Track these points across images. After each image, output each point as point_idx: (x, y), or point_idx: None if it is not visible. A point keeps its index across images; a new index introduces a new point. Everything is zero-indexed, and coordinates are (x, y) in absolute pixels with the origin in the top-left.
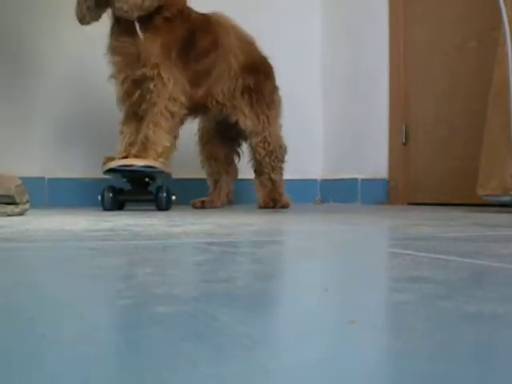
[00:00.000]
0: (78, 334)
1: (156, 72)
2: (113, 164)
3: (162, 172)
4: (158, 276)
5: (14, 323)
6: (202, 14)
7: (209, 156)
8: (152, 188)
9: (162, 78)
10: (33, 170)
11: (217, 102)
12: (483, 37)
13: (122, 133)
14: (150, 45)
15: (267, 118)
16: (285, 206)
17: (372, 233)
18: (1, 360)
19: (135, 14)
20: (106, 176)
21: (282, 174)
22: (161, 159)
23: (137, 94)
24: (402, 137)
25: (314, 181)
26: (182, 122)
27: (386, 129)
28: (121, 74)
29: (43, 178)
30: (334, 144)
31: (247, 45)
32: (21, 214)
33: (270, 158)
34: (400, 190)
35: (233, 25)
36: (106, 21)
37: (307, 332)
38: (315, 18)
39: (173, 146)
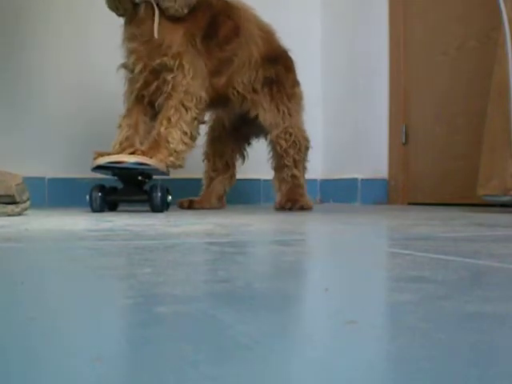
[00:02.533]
0: (77, 334)
1: (177, 62)
2: (101, 160)
3: (156, 170)
4: (158, 276)
5: (14, 323)
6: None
7: (214, 151)
8: (147, 187)
9: (183, 68)
10: (33, 170)
11: (238, 92)
12: (483, 37)
13: (119, 126)
14: (173, 33)
15: (288, 109)
16: (304, 208)
17: (372, 233)
18: (1, 360)
19: (185, 11)
20: (107, 176)
21: (304, 173)
22: (171, 158)
23: (154, 85)
24: (402, 137)
25: (313, 181)
26: (200, 119)
27: (385, 129)
28: (139, 63)
29: (43, 178)
30: (334, 144)
31: (267, 34)
32: (20, 213)
33: (294, 149)
34: (400, 190)
35: (252, 12)
36: (104, 20)
37: (307, 332)
38: (315, 19)
39: (188, 145)
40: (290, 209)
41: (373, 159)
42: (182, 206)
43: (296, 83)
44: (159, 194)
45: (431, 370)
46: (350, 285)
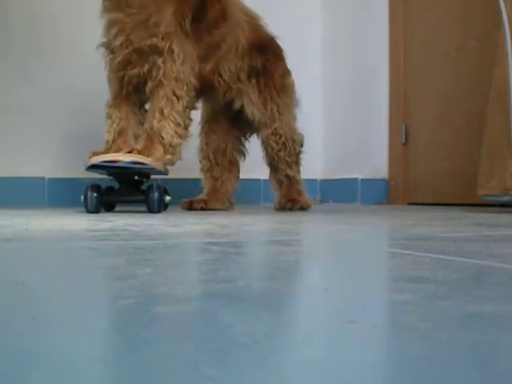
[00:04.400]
0: (77, 334)
1: (168, 44)
2: (95, 160)
3: (153, 169)
4: (158, 276)
5: (14, 323)
6: None
7: (211, 147)
8: (145, 187)
9: (173, 53)
10: (33, 170)
11: (224, 81)
12: (483, 37)
13: (109, 118)
14: (162, 9)
15: (277, 106)
16: (304, 207)
17: (372, 233)
18: (1, 360)
19: None
20: (106, 176)
21: (299, 171)
22: (168, 156)
23: (144, 69)
24: (402, 137)
25: (313, 181)
26: (191, 105)
27: (386, 129)
28: (120, 36)
29: (43, 178)
30: (334, 144)
31: (253, 20)
32: None
33: (285, 151)
34: (400, 190)
35: None
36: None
37: (307, 332)
38: (315, 19)
39: (182, 136)
40: (291, 209)
41: (373, 159)
42: (189, 207)
43: (286, 72)
44: (156, 195)
45: (431, 370)
46: (350, 285)
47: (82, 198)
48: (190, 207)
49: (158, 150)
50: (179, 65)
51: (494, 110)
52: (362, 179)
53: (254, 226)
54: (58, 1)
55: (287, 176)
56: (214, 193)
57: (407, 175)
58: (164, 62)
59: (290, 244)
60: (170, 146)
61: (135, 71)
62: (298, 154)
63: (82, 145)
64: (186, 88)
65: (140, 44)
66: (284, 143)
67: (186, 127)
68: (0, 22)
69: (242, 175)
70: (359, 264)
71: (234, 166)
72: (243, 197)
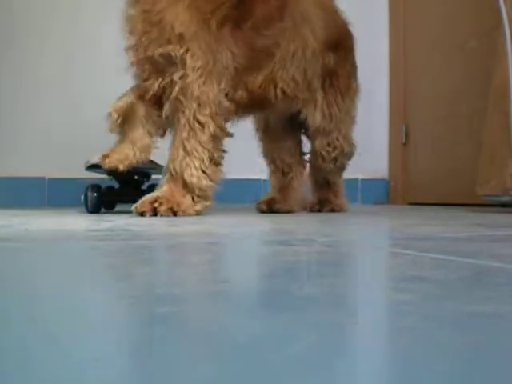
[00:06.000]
0: (77, 334)
1: (183, 50)
2: (96, 159)
3: (153, 169)
4: (158, 276)
5: (14, 323)
6: None
7: (272, 148)
8: (145, 187)
9: (191, 64)
10: (33, 170)
11: (284, 93)
12: (483, 37)
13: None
14: (176, 7)
15: (339, 111)
16: (335, 210)
17: (372, 233)
18: (1, 360)
19: None
20: (105, 176)
21: (341, 176)
22: (197, 206)
23: (155, 83)
24: (402, 137)
25: None
26: (220, 134)
27: (386, 129)
28: (131, 37)
29: (43, 178)
30: None
31: (328, 11)
32: None
33: (335, 164)
34: (400, 190)
35: None
36: (100, 16)
37: (307, 332)
38: None
39: (212, 176)
40: (320, 210)
41: (373, 159)
42: (261, 209)
43: (353, 70)
44: None
45: (431, 370)
46: (350, 285)
47: (82, 197)
48: (261, 209)
49: (185, 198)
50: (201, 81)
51: (494, 110)
52: (362, 179)
53: (255, 226)
54: None
55: (326, 180)
56: (284, 193)
57: (407, 175)
58: (182, 77)
59: (290, 244)
60: (200, 189)
61: (149, 83)
62: (344, 167)
63: (82, 145)
64: (209, 110)
65: (152, 51)
66: (335, 158)
67: (217, 163)
68: (4, 22)
69: (242, 175)
70: (359, 264)
71: (299, 162)
72: (243, 197)
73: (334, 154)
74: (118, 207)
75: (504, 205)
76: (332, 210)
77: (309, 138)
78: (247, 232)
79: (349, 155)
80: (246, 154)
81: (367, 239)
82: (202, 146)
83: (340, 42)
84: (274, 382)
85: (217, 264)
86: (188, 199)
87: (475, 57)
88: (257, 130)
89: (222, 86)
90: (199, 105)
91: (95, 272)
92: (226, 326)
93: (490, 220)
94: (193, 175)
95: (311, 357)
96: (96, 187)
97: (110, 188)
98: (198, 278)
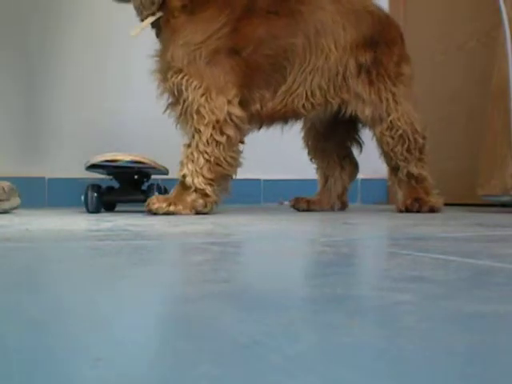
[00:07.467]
0: (77, 334)
1: (180, 78)
2: (96, 159)
3: (153, 168)
4: (158, 276)
5: (14, 323)
6: None
7: (314, 146)
8: (145, 187)
9: (188, 83)
10: (33, 170)
11: (312, 105)
12: (483, 37)
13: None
14: (171, 39)
15: (393, 95)
16: (434, 209)
17: (372, 233)
18: (1, 360)
19: (151, 9)
20: (106, 176)
21: (425, 167)
22: (200, 200)
23: (178, 110)
24: None
25: (313, 181)
26: (223, 140)
27: None
28: (156, 78)
29: (43, 178)
30: None
31: (358, 6)
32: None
33: (403, 146)
34: None
35: None
36: (100, 16)
37: (307, 332)
38: None
39: (214, 175)
40: (418, 211)
41: (373, 159)
42: (297, 207)
43: (403, 59)
44: (156, 195)
45: (431, 370)
46: (350, 285)
47: (82, 197)
48: (297, 207)
49: (190, 196)
50: (199, 96)
51: (494, 110)
52: (362, 179)
53: (255, 226)
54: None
55: (410, 174)
56: (323, 193)
57: None
58: (186, 98)
59: (290, 244)
60: (200, 189)
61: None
62: (421, 148)
63: (82, 145)
64: (207, 120)
65: (162, 80)
66: (401, 136)
67: (218, 164)
68: (5, 20)
69: (242, 175)
70: (359, 264)
71: (345, 160)
72: (243, 197)
73: (397, 134)
74: (118, 207)
75: (504, 205)
76: (431, 210)
77: (369, 129)
78: (247, 232)
79: (418, 136)
80: (246, 154)
81: (367, 239)
82: (199, 152)
83: (380, 36)
84: (274, 382)
85: (217, 264)
86: (191, 196)
87: (475, 57)
88: (301, 129)
89: (230, 97)
90: (198, 115)
91: (95, 272)
92: (226, 326)
93: (490, 220)
94: (192, 177)
95: (311, 357)
96: (96, 187)
97: (110, 188)
98: (197, 278)
